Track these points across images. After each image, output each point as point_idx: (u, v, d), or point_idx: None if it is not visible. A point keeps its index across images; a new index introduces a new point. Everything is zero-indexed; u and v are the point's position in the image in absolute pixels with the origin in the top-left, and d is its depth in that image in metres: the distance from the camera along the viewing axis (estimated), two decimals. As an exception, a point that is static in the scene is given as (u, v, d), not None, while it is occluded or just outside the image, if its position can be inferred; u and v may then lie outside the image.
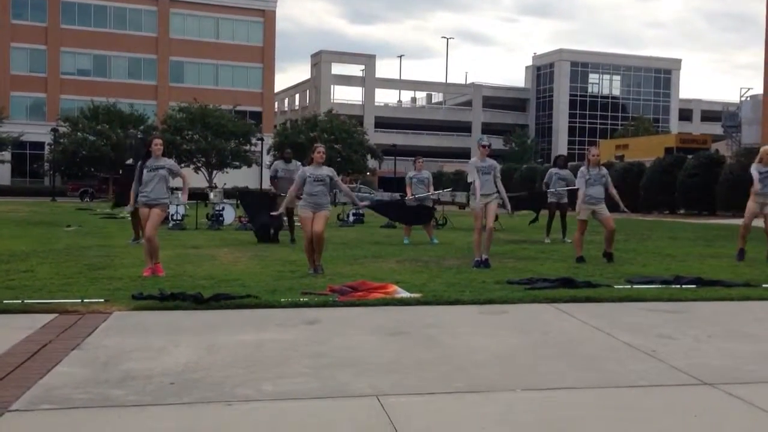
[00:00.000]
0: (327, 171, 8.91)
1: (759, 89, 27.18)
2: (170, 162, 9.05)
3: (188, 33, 62.10)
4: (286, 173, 13.17)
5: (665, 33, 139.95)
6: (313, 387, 4.01)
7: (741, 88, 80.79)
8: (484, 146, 9.39)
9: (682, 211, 28.75)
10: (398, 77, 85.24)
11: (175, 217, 17.60)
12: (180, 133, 48.52)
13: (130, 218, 13.16)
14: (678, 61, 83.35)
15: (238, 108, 53.42)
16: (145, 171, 8.64)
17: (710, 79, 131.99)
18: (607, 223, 9.81)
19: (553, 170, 14.28)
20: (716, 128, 54.63)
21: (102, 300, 6.40)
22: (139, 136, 42.27)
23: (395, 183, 49.81)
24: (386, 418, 3.49)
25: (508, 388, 4.03)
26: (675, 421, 3.52)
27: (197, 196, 19.98)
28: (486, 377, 4.25)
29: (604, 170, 10.07)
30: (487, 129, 79.98)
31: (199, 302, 6.30)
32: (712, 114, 76.91)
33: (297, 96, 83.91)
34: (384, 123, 77.14)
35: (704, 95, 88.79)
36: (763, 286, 7.60)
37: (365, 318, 5.98)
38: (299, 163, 13.66)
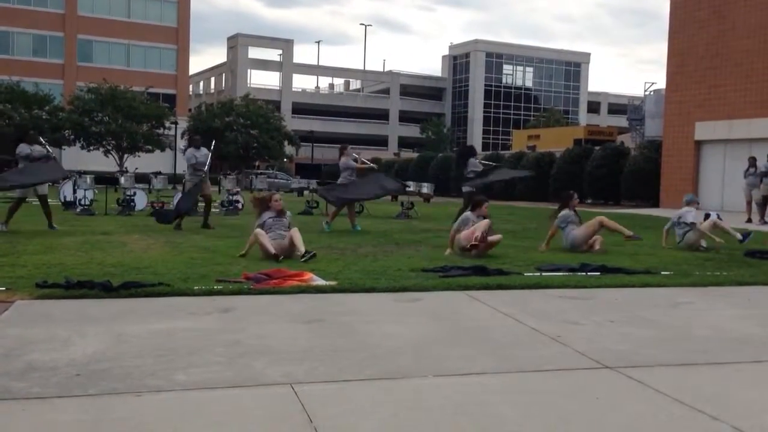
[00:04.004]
0: None
1: (662, 84, 28.43)
2: None
3: (98, 11, 59.70)
4: (201, 158, 13.30)
5: (575, 27, 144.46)
6: (227, 376, 3.98)
7: (645, 83, 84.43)
8: None
9: (589, 201, 29.81)
10: (316, 63, 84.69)
11: (83, 202, 17.02)
12: (89, 114, 46.63)
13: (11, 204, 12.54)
14: (587, 55, 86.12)
15: (151, 90, 51.80)
16: None
17: (616, 73, 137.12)
18: None
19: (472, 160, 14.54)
20: (622, 121, 56.86)
21: (3, 288, 6.13)
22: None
23: (312, 170, 49.56)
24: (300, 406, 3.51)
25: (421, 375, 4.11)
26: (578, 403, 3.68)
27: (107, 180, 19.35)
28: (399, 364, 4.32)
29: None
30: (404, 117, 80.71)
31: (107, 290, 6.12)
32: (618, 107, 79.99)
33: (212, 79, 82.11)
34: (301, 109, 76.54)
35: (611, 89, 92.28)
36: (662, 273, 8.00)
37: (280, 306, 5.96)
38: (207, 150, 13.53)
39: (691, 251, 10.32)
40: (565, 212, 10.15)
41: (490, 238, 9.22)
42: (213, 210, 16.16)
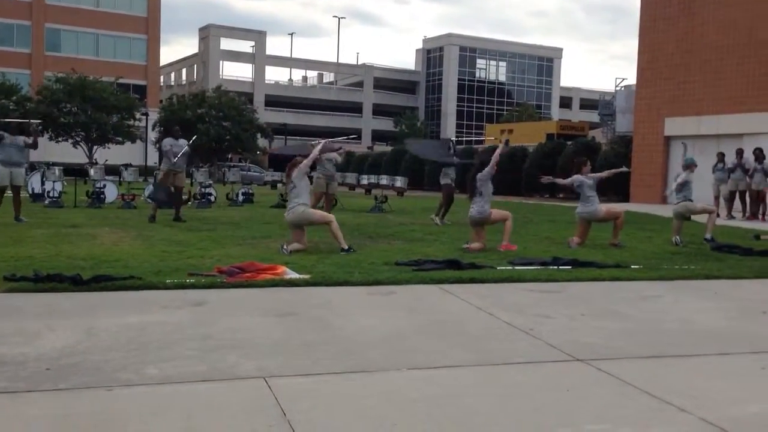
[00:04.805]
0: None
1: (632, 79, 28.73)
2: None
3: (65, -1, 58.80)
4: (176, 148, 13.26)
5: (547, 22, 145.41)
6: (199, 370, 3.96)
7: (616, 78, 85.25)
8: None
9: (561, 195, 30.07)
10: (289, 55, 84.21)
11: (51, 194, 16.77)
12: (57, 105, 45.91)
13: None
14: (560, 50, 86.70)
15: (121, 81, 51.11)
16: None
17: (588, 68, 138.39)
18: None
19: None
20: (593, 116, 57.33)
21: (-30, 282, 6.03)
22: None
23: (286, 163, 49.27)
24: (273, 400, 3.50)
25: (395, 368, 4.13)
26: (549, 395, 3.72)
27: (76, 172, 19.09)
28: (373, 357, 4.33)
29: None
30: (378, 110, 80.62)
31: (77, 284, 6.05)
32: (589, 102, 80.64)
33: (184, 71, 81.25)
34: (274, 101, 76.08)
35: (583, 84, 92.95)
36: (632, 267, 8.11)
37: (253, 299, 5.94)
38: (186, 141, 13.55)
39: (677, 221, 10.87)
40: (578, 176, 10.47)
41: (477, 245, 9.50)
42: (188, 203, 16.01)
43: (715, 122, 23.17)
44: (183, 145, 13.31)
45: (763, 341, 4.99)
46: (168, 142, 13.39)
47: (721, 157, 18.14)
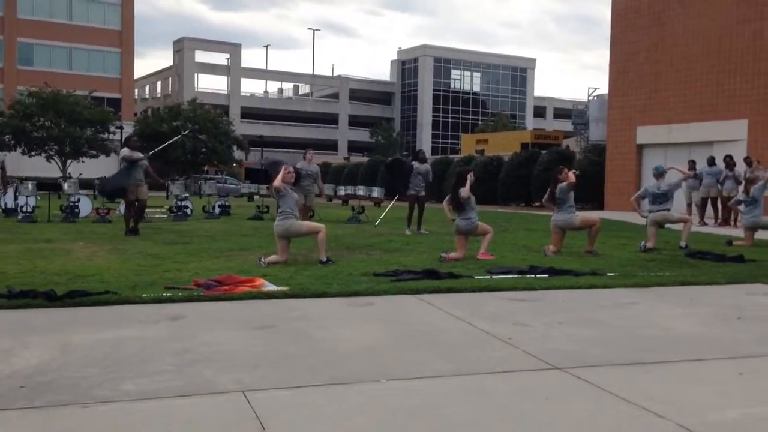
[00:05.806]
0: None
1: (605, 89, 29.07)
2: None
3: (38, 13, 58.12)
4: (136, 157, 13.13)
5: (520, 33, 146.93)
6: (177, 384, 3.92)
7: (589, 88, 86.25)
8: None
9: (537, 204, 30.28)
10: (265, 67, 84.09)
11: (24, 209, 16.54)
12: (30, 119, 45.36)
13: None
14: (533, 61, 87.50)
15: (95, 94, 50.63)
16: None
17: (561, 78, 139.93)
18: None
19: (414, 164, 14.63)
20: (567, 125, 57.85)
21: (-59, 299, 5.92)
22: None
23: (262, 175, 49.12)
24: (252, 413, 3.48)
25: (374, 379, 4.11)
26: (528, 404, 3.74)
27: (49, 186, 18.86)
28: (352, 369, 4.31)
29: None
30: (354, 121, 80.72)
31: (51, 300, 5.97)
32: (563, 111, 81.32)
33: (159, 83, 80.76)
34: (250, 113, 75.88)
35: (556, 93, 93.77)
36: (608, 274, 8.18)
37: (231, 312, 5.90)
38: (141, 154, 13.41)
39: (653, 228, 11.06)
40: (559, 186, 10.38)
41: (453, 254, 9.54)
42: (161, 216, 15.87)
43: (685, 130, 23.50)
44: (140, 156, 13.23)
45: (740, 346, 5.06)
46: (127, 152, 13.20)
47: (692, 164, 18.40)
